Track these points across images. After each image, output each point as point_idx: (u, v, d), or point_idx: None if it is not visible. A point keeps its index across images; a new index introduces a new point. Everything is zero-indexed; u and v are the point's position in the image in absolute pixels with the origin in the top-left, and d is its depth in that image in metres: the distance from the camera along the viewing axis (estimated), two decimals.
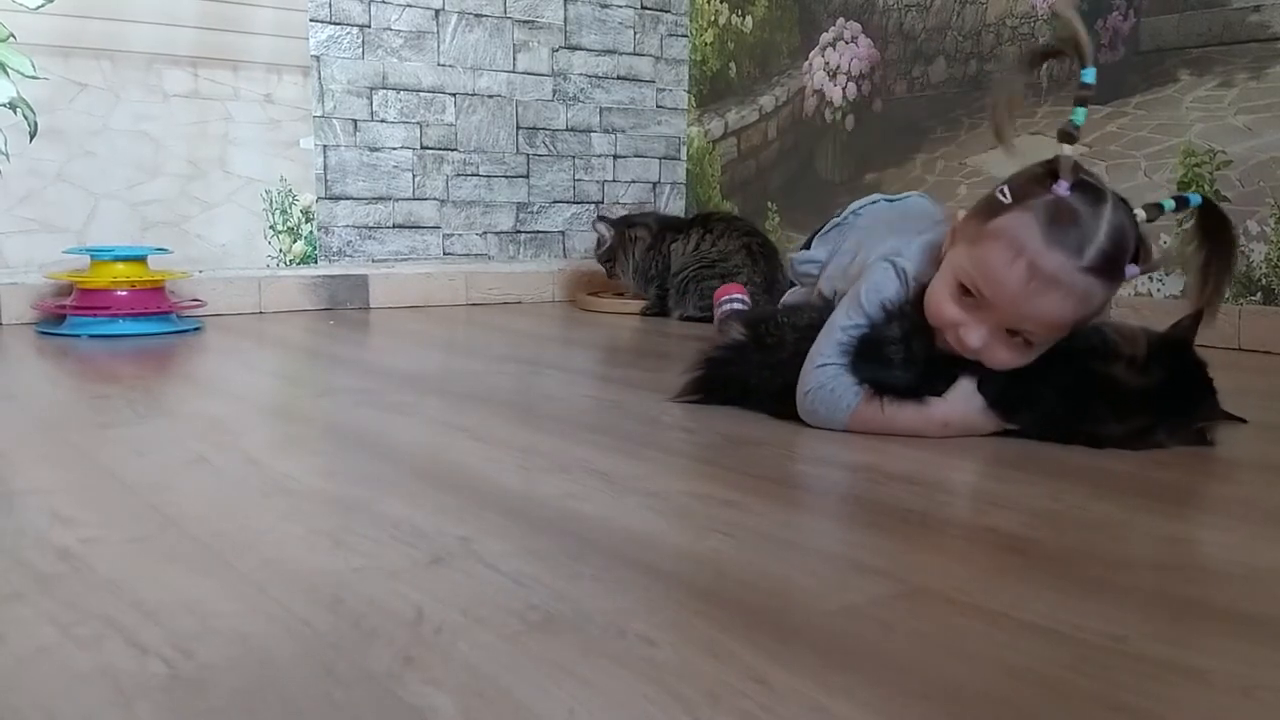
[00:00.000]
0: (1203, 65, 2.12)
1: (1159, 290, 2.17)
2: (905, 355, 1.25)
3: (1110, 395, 1.20)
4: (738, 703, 0.58)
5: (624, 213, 2.97)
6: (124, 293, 2.18)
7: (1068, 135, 1.18)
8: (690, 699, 0.59)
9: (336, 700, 0.58)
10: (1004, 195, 1.19)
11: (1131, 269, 1.17)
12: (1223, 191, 2.08)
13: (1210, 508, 1.03)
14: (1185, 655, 0.65)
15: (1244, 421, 1.28)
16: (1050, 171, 1.16)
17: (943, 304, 1.22)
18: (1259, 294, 2.04)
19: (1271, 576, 0.80)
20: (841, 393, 1.26)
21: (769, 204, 3.06)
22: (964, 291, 1.20)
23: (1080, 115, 1.18)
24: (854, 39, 2.80)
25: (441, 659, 0.64)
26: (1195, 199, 1.23)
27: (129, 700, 0.58)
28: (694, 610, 0.72)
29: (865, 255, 1.40)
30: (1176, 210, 1.23)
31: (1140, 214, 1.19)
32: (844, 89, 2.83)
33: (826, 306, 1.38)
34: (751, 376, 1.37)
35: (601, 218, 2.82)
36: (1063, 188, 1.14)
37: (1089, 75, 1.18)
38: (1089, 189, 1.16)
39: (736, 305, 2.20)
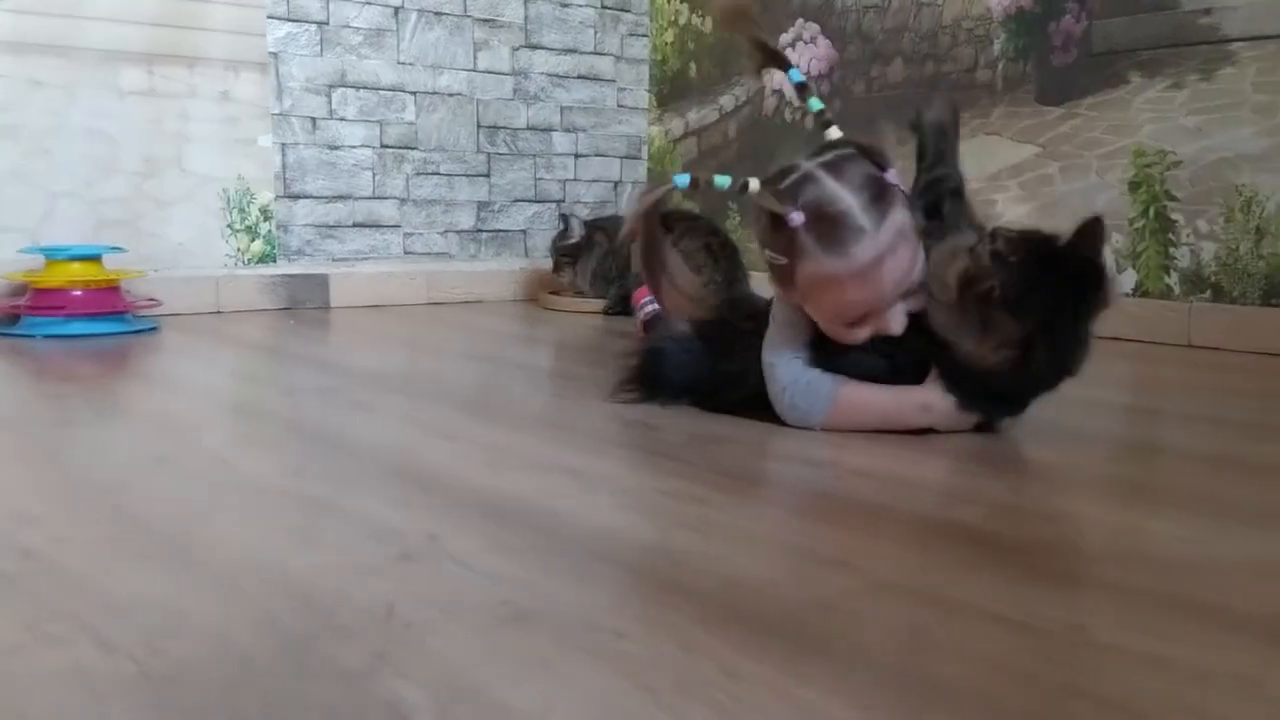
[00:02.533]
0: (1154, 67, 2.16)
1: None
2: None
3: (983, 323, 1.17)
4: (708, 693, 0.59)
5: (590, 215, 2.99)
6: (79, 292, 2.15)
7: (772, 186, 1.22)
8: (662, 690, 0.59)
9: (310, 696, 0.59)
10: (777, 258, 1.22)
11: (890, 174, 1.20)
12: (1173, 192, 2.12)
13: (1165, 500, 1.05)
14: (1144, 643, 0.67)
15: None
16: (771, 217, 1.20)
17: (847, 337, 1.25)
18: (1209, 291, 2.08)
19: (1225, 566, 0.83)
20: (818, 384, 1.27)
21: (729, 204, 3.08)
22: (849, 324, 1.23)
23: (723, 182, 1.24)
24: (813, 39, 2.82)
25: (415, 654, 0.64)
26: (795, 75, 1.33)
27: (101, 699, 0.58)
28: (664, 604, 0.73)
29: None
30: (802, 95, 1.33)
31: (833, 132, 1.27)
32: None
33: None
34: (702, 384, 1.37)
35: (575, 215, 2.84)
36: (795, 219, 1.18)
37: (795, 75, 1.32)
38: (799, 187, 1.19)
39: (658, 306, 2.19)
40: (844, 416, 1.26)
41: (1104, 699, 0.59)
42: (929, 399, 1.25)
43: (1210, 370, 1.84)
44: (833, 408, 1.26)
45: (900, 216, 1.19)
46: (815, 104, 1.31)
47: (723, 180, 1.23)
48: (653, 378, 1.41)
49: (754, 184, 1.23)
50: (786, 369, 1.28)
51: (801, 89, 1.32)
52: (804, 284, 1.22)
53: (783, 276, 1.24)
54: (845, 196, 1.18)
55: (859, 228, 1.17)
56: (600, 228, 2.79)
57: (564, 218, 2.83)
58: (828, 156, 1.22)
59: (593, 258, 2.77)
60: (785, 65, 1.35)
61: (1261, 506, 1.00)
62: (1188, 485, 1.10)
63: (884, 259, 1.18)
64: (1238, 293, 2.04)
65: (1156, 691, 0.61)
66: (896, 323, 1.23)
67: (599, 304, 2.76)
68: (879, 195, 1.19)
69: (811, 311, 1.26)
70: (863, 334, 1.24)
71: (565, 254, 2.80)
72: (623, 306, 2.73)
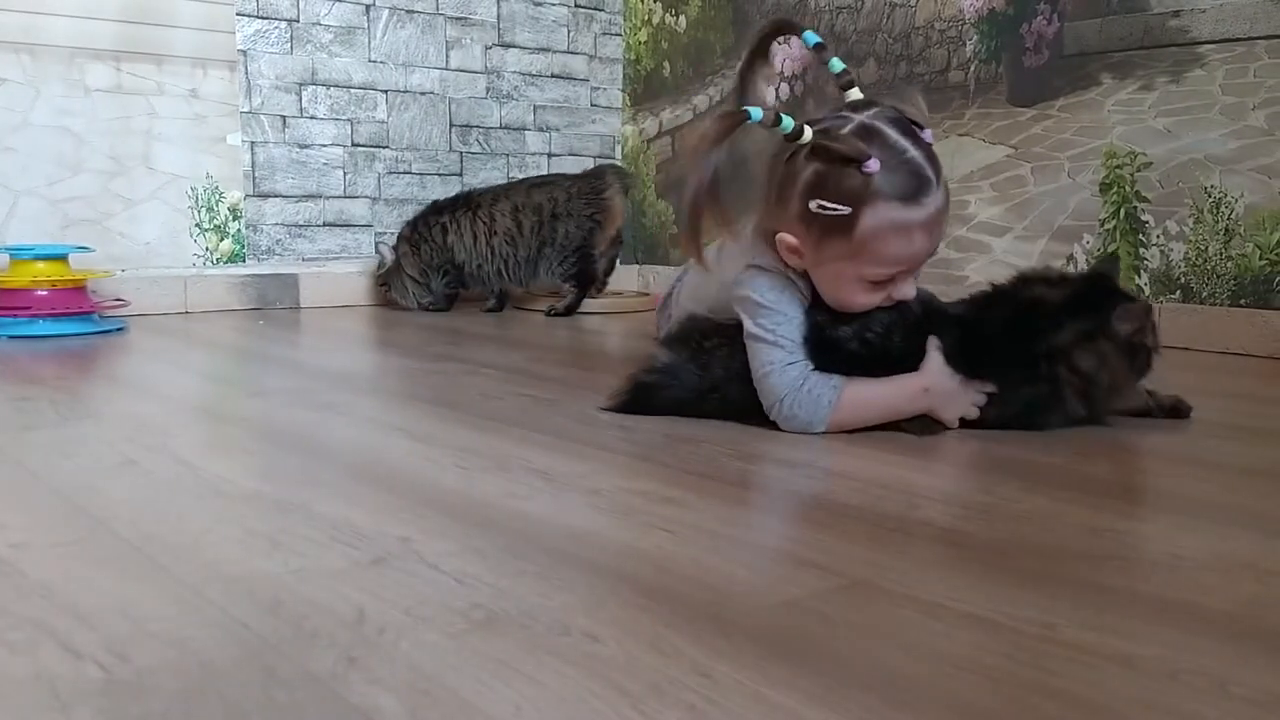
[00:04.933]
0: (1124, 69, 2.17)
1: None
2: (856, 336, 1.27)
3: (1035, 314, 1.28)
4: (682, 695, 0.59)
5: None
6: (44, 292, 2.13)
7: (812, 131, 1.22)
8: (635, 693, 0.59)
9: (279, 702, 0.58)
10: (832, 208, 1.19)
11: (927, 134, 1.23)
12: (1143, 192, 2.14)
13: (1135, 499, 1.06)
14: (1113, 642, 0.67)
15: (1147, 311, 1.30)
16: (844, 159, 1.18)
17: (862, 300, 1.26)
18: (1178, 292, 2.10)
19: (1194, 565, 0.83)
20: (819, 389, 1.25)
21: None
22: (880, 283, 1.24)
23: (788, 123, 1.22)
24: (786, 39, 2.82)
25: (385, 659, 0.63)
26: (811, 38, 1.29)
27: (66, 705, 0.57)
28: (637, 606, 0.73)
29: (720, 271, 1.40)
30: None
31: (854, 93, 1.27)
32: (777, 89, 2.85)
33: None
34: (689, 400, 1.34)
35: (382, 244, 2.80)
36: (872, 165, 1.17)
37: (810, 37, 1.28)
38: (865, 136, 1.19)
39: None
40: (847, 417, 1.25)
41: (1075, 698, 0.60)
42: (927, 381, 1.25)
43: (1179, 370, 1.85)
44: (836, 412, 1.25)
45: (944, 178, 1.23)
46: (836, 64, 1.28)
47: (788, 122, 1.21)
48: (640, 409, 1.37)
49: (809, 132, 1.20)
50: (781, 378, 1.26)
51: (820, 49, 1.28)
52: (866, 232, 1.19)
53: (831, 229, 1.21)
54: (910, 148, 1.19)
55: (928, 178, 1.20)
56: (402, 237, 2.75)
57: (377, 248, 2.79)
58: (873, 111, 1.22)
59: (404, 270, 2.73)
60: (794, 30, 1.30)
61: (1230, 506, 1.01)
62: (1157, 485, 1.11)
63: (942, 213, 1.21)
64: (1207, 293, 2.06)
65: (1126, 690, 0.61)
66: (910, 288, 1.26)
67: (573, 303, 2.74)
68: (930, 153, 1.21)
69: (849, 267, 1.23)
70: (879, 298, 1.25)
71: (383, 282, 2.79)
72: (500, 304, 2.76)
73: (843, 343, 1.27)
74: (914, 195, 1.19)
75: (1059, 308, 1.28)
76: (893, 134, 1.20)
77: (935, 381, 1.25)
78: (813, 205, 1.21)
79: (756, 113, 1.21)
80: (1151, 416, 1.37)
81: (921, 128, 1.22)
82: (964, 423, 1.28)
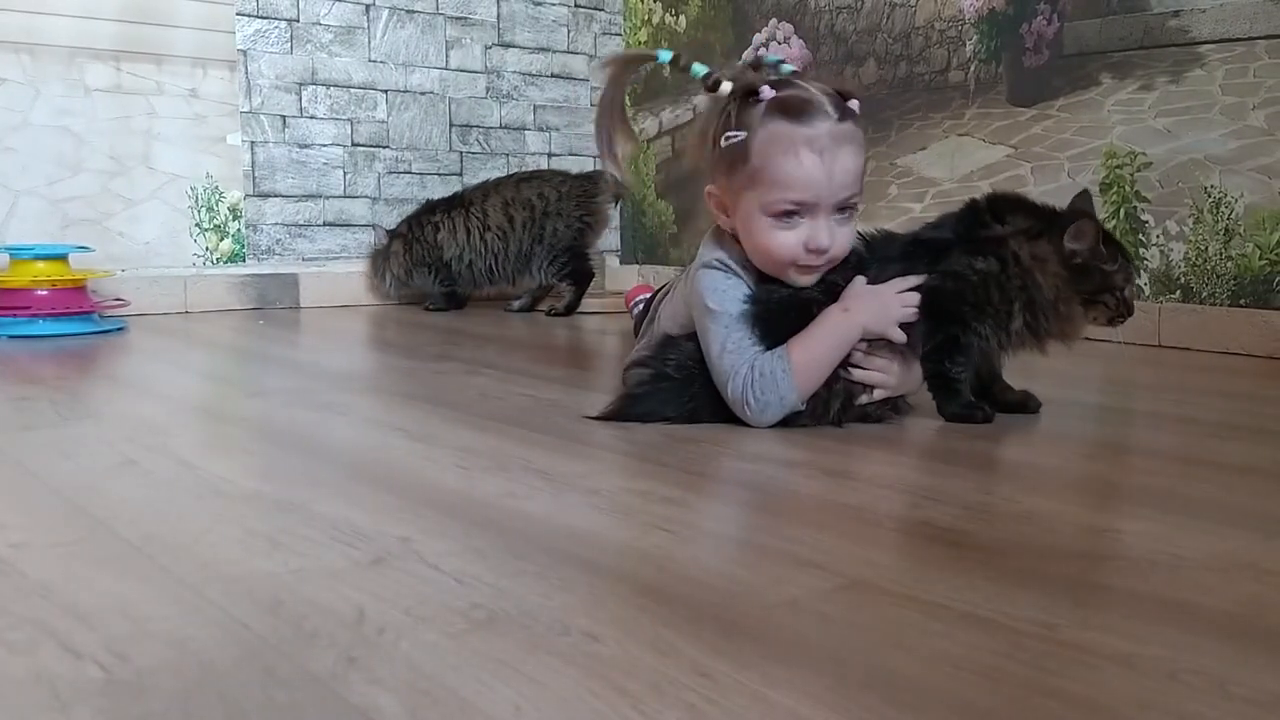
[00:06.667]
0: (1124, 69, 2.17)
1: None
2: (822, 291, 1.29)
3: (979, 209, 1.34)
4: (682, 695, 0.59)
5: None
6: (44, 292, 2.13)
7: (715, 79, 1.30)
8: (635, 693, 0.59)
9: (279, 702, 0.58)
10: (731, 138, 1.25)
11: (854, 103, 1.28)
12: (1144, 193, 2.14)
13: (1134, 499, 1.06)
14: (1113, 641, 0.67)
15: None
16: (744, 92, 1.25)
17: (776, 244, 1.26)
18: (1178, 292, 2.10)
19: (1192, 565, 0.83)
20: (770, 368, 1.24)
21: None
22: (783, 217, 1.25)
23: (699, 70, 1.31)
24: (786, 39, 2.82)
25: (385, 659, 0.63)
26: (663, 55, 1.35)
27: (66, 705, 0.57)
28: (637, 606, 0.73)
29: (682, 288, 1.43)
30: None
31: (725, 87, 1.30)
32: None
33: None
34: (671, 410, 1.33)
35: (379, 226, 2.81)
36: (767, 92, 1.24)
37: (663, 55, 1.35)
38: (783, 82, 1.27)
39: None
40: (807, 374, 1.25)
41: (1074, 698, 0.59)
42: (843, 303, 1.27)
43: (1179, 370, 1.85)
44: (796, 378, 1.24)
45: (858, 131, 1.27)
46: (697, 69, 1.32)
47: (699, 68, 1.28)
48: (628, 419, 1.35)
49: (725, 86, 1.27)
50: (737, 376, 1.26)
51: (675, 62, 1.34)
52: (758, 151, 1.24)
53: (735, 160, 1.25)
54: (813, 89, 1.26)
55: (823, 110, 1.24)
56: (398, 235, 2.76)
57: (374, 228, 2.80)
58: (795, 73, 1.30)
59: (390, 267, 2.75)
60: (648, 59, 1.38)
61: (1229, 505, 1.01)
62: (1157, 485, 1.11)
63: (839, 146, 1.24)
64: (1206, 293, 2.06)
65: (1127, 690, 0.61)
66: (826, 234, 1.25)
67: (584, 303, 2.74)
68: (841, 101, 1.26)
69: (753, 198, 1.25)
70: (794, 240, 1.25)
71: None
72: (446, 304, 2.74)
73: (812, 300, 1.29)
74: (800, 114, 1.23)
75: (1008, 201, 1.33)
76: (801, 81, 1.27)
77: (849, 299, 1.27)
78: (722, 142, 1.26)
79: (664, 54, 1.32)
80: (1022, 411, 1.36)
81: (847, 96, 1.27)
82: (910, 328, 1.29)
